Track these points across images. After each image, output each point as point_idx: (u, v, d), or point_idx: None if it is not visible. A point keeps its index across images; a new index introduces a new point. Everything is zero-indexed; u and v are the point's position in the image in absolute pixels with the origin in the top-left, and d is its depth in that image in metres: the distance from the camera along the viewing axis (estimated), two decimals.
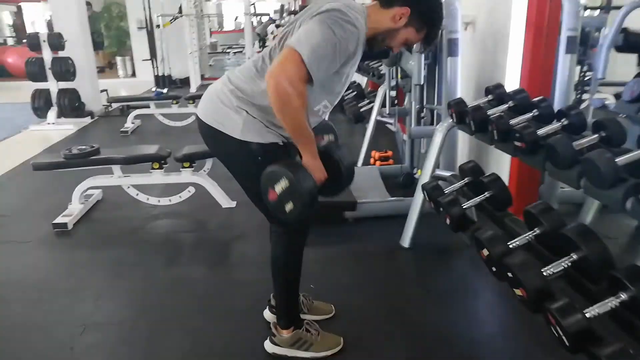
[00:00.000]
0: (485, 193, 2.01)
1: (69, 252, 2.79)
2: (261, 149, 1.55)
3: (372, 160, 4.13)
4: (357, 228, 3.00)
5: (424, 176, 2.68)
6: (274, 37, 6.89)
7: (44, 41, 5.90)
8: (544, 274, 1.45)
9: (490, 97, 2.34)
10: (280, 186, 1.44)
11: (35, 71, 5.91)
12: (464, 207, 2.03)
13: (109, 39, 11.88)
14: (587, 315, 1.27)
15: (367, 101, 4.55)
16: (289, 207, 1.45)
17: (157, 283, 2.40)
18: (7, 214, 3.30)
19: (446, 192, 2.19)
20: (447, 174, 2.63)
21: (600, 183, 1.44)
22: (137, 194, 3.26)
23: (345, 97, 4.90)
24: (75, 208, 3.17)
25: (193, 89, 8.90)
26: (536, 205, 1.68)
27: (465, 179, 2.20)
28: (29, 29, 13.31)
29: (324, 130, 1.86)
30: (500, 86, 2.32)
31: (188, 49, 9.09)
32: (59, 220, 3.00)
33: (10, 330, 2.03)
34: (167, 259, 2.66)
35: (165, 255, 2.72)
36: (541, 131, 1.78)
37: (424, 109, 3.15)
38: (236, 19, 17.24)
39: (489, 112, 2.13)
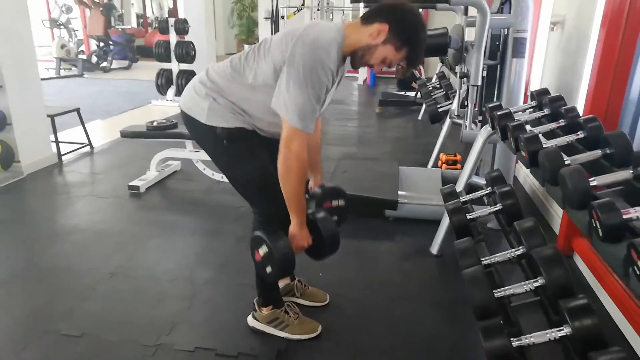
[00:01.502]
0: (498, 205, 1.89)
1: (134, 211, 3.17)
2: (225, 133, 1.64)
3: (439, 163, 3.99)
4: (394, 227, 2.97)
5: (459, 183, 2.55)
6: None
7: (171, 26, 6.61)
8: (497, 294, 1.36)
9: (533, 103, 2.16)
10: (262, 251, 1.59)
11: (161, 53, 6.64)
12: (469, 217, 1.92)
13: (241, 27, 12.83)
14: (515, 343, 1.17)
15: (449, 102, 4.38)
16: (268, 269, 1.61)
17: (193, 246, 2.65)
18: (100, 173, 3.87)
19: (463, 199, 2.08)
20: (482, 181, 2.48)
21: (604, 238, 1.15)
22: (204, 169, 3.58)
23: (432, 96, 4.78)
24: (151, 174, 3.59)
25: None
26: (523, 222, 1.54)
27: (488, 189, 2.07)
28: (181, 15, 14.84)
29: (334, 195, 1.94)
30: (545, 92, 2.12)
31: None
32: (134, 183, 3.42)
33: (67, 260, 2.42)
34: (213, 229, 2.90)
35: (211, 225, 2.96)
36: (568, 160, 1.57)
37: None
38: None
39: (528, 127, 1.94)
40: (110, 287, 2.25)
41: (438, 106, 4.27)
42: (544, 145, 1.61)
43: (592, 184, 1.23)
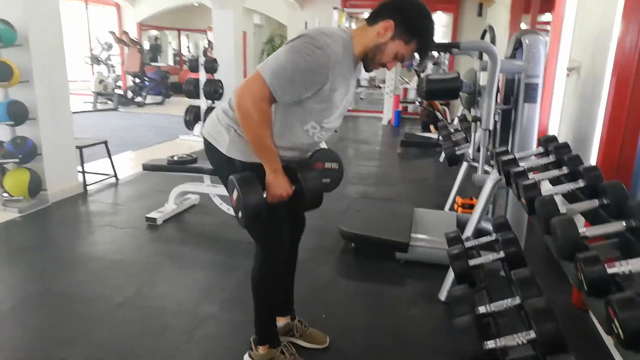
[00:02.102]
0: (501, 252, 1.86)
1: (149, 242, 3.25)
2: (243, 167, 1.68)
3: (455, 206, 3.95)
4: (404, 270, 2.93)
5: (468, 228, 2.52)
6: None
7: (201, 64, 6.90)
8: (488, 345, 1.33)
9: (541, 150, 2.15)
10: (235, 195, 1.59)
11: (190, 89, 6.91)
12: (473, 263, 1.90)
13: None
14: None
15: (467, 144, 4.37)
16: (239, 214, 1.59)
17: (201, 279, 2.69)
18: (121, 204, 3.99)
19: (468, 245, 2.06)
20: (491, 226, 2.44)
21: (588, 292, 1.11)
22: (221, 203, 3.65)
23: (451, 138, 4.78)
24: (169, 207, 3.68)
25: None
26: (519, 271, 1.52)
27: (494, 235, 2.05)
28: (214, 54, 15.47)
29: (327, 158, 1.92)
30: (552, 139, 2.11)
31: None
32: (152, 215, 3.52)
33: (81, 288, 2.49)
34: (223, 263, 2.93)
35: (222, 259, 2.99)
36: (569, 207, 1.54)
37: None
38: None
39: (531, 174, 1.92)
40: (117, 316, 2.29)
41: (456, 149, 4.27)
42: (543, 194, 1.59)
43: (583, 234, 1.21)
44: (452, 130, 5.20)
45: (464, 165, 4.07)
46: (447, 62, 11.22)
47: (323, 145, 2.04)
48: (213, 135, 1.74)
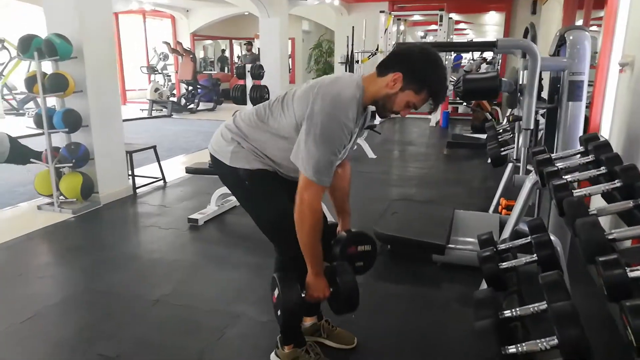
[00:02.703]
0: (534, 255, 1.78)
1: (188, 242, 3.35)
2: (247, 174, 1.72)
3: (499, 208, 3.80)
4: (440, 273, 2.86)
5: (506, 230, 2.42)
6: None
7: (248, 71, 7.06)
8: (508, 350, 1.27)
9: (581, 149, 2.04)
10: (276, 294, 1.65)
11: (237, 96, 7.06)
12: (505, 266, 1.82)
13: (317, 71, 13.36)
14: None
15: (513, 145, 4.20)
16: (279, 313, 1.65)
17: (236, 279, 2.74)
18: (167, 205, 4.15)
19: (503, 247, 1.98)
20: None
21: (608, 297, 1.06)
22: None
23: (498, 138, 4.61)
24: (210, 208, 3.79)
25: (377, 121, 9.34)
26: (547, 274, 1.43)
27: (526, 238, 1.95)
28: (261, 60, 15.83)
29: (360, 240, 1.92)
30: (594, 138, 1.99)
31: None
32: (194, 216, 3.63)
33: (116, 286, 2.61)
34: (257, 263, 2.97)
35: (257, 259, 3.03)
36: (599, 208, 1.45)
37: None
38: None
39: (566, 174, 1.82)
40: (152, 314, 2.38)
41: (502, 149, 4.12)
42: (576, 194, 1.50)
43: (610, 237, 1.13)
44: (501, 131, 5.04)
45: (509, 166, 3.91)
46: (500, 61, 10.87)
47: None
48: (216, 149, 1.81)
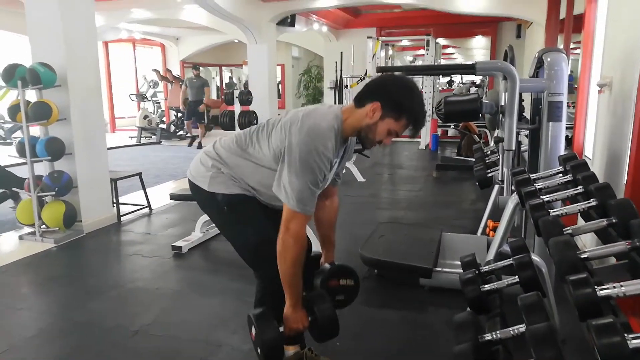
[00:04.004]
0: (515, 277, 1.75)
1: (171, 270, 3.29)
2: (226, 199, 1.71)
3: (487, 230, 3.79)
4: (428, 297, 2.81)
5: (490, 252, 2.40)
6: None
7: (236, 97, 7.10)
8: None
9: (560, 169, 2.04)
10: (254, 331, 1.63)
11: (226, 122, 7.08)
12: (487, 288, 1.79)
13: (307, 96, 13.49)
14: None
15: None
16: (258, 350, 1.63)
17: (217, 307, 2.68)
18: (152, 233, 4.08)
19: (484, 269, 1.95)
20: None
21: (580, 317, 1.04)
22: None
23: (485, 160, 4.63)
24: (195, 235, 3.74)
25: None
26: (526, 296, 1.41)
27: (510, 259, 1.93)
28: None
29: (342, 274, 1.92)
30: (571, 158, 2.00)
31: None
32: (178, 243, 3.58)
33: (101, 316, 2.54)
34: (240, 290, 2.91)
35: (240, 286, 2.97)
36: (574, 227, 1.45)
37: None
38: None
39: (546, 194, 1.82)
40: (131, 345, 2.30)
41: (488, 171, 4.13)
42: (552, 213, 1.49)
43: (582, 256, 1.11)
44: (488, 152, 5.07)
45: (496, 187, 3.91)
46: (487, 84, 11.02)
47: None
48: (195, 175, 1.81)
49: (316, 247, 2.12)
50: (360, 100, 1.63)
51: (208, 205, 1.81)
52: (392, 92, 1.59)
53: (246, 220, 1.74)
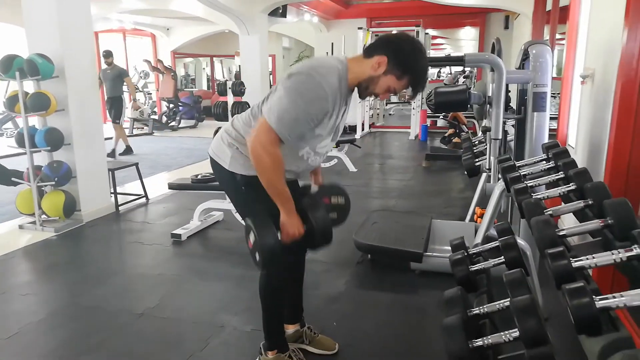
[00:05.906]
0: (501, 257, 1.88)
1: (172, 257, 3.40)
2: (244, 180, 1.78)
3: (475, 217, 3.93)
4: (419, 280, 2.95)
5: (477, 236, 2.54)
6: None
7: (229, 88, 7.16)
8: (475, 343, 1.36)
9: (544, 157, 2.17)
10: (252, 238, 1.67)
11: (219, 112, 7.14)
12: (475, 268, 1.92)
13: None
14: None
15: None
16: (257, 257, 1.67)
17: (219, 291, 2.80)
18: (150, 222, 4.18)
19: (472, 251, 2.08)
20: None
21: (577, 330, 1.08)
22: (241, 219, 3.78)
23: (472, 150, 4.77)
24: (193, 224, 3.83)
25: (358, 135, 9.49)
26: (510, 272, 1.54)
27: (496, 241, 2.06)
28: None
29: (332, 192, 1.99)
30: (554, 146, 2.13)
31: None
32: (177, 231, 3.67)
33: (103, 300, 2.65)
34: (240, 275, 3.03)
35: (240, 271, 3.09)
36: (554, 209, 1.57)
37: None
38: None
39: (530, 180, 1.94)
40: (137, 327, 2.41)
41: (476, 160, 4.26)
42: (535, 196, 1.62)
43: (560, 233, 1.24)
44: (476, 142, 5.20)
45: (484, 175, 4.05)
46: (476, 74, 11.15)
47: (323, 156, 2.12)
48: (217, 153, 1.86)
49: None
50: (369, 51, 1.67)
51: (226, 181, 1.86)
52: (401, 50, 1.62)
53: (258, 199, 1.82)
